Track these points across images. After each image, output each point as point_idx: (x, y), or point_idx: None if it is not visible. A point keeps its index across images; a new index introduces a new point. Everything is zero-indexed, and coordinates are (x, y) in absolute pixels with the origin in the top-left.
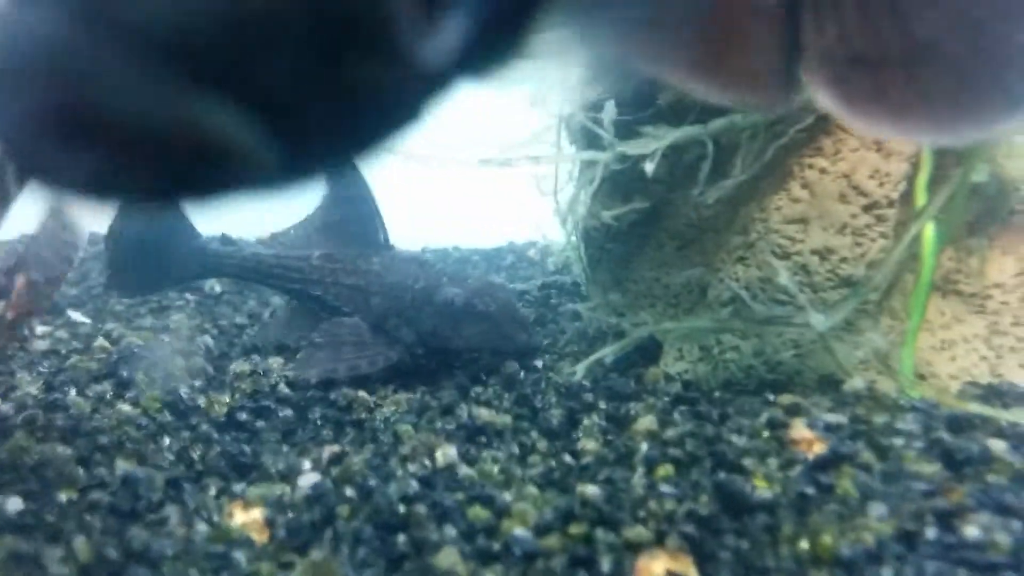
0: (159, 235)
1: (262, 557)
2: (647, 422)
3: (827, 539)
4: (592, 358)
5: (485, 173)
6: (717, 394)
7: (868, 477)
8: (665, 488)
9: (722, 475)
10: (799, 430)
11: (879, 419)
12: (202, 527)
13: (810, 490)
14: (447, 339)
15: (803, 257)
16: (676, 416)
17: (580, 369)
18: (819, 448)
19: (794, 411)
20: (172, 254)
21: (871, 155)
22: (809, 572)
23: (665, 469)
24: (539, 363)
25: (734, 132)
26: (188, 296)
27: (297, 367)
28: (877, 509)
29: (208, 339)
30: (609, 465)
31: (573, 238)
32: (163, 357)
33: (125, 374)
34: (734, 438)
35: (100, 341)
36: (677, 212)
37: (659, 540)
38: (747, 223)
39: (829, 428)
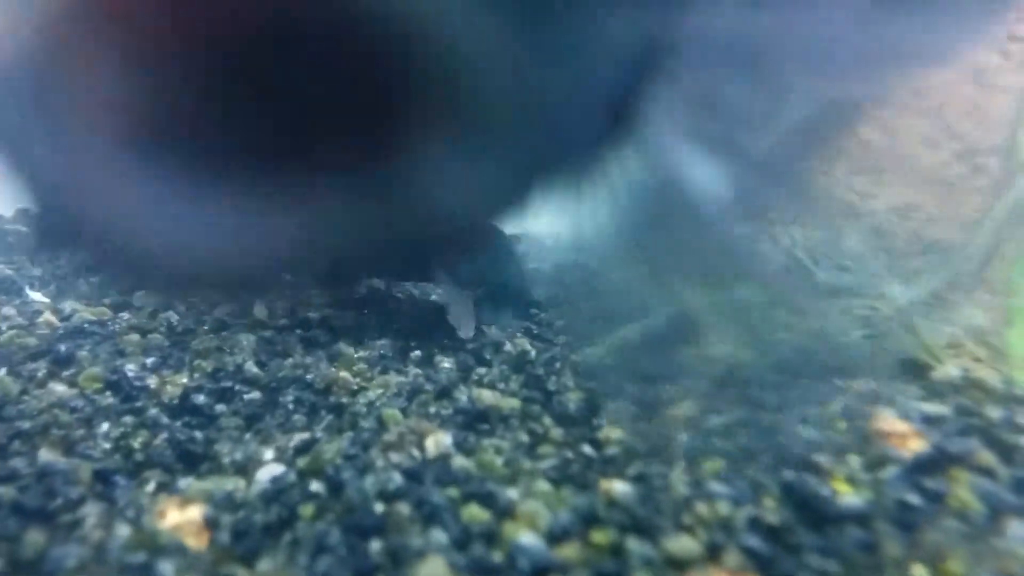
0: None
1: (194, 568)
2: (686, 408)
3: (955, 566)
4: (614, 336)
5: None
6: (771, 378)
7: (994, 485)
8: (716, 487)
9: (789, 474)
10: (888, 421)
11: (994, 412)
12: (123, 530)
13: (914, 498)
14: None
15: (876, 217)
16: (722, 402)
17: (600, 348)
18: (917, 445)
19: (873, 399)
20: None
21: (968, 88)
22: None
23: (713, 464)
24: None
25: None
26: None
27: None
28: (1019, 529)
29: (172, 315)
30: (640, 458)
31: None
32: (114, 332)
33: (63, 349)
34: (799, 429)
35: (47, 316)
36: None
37: (712, 555)
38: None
39: (929, 420)
